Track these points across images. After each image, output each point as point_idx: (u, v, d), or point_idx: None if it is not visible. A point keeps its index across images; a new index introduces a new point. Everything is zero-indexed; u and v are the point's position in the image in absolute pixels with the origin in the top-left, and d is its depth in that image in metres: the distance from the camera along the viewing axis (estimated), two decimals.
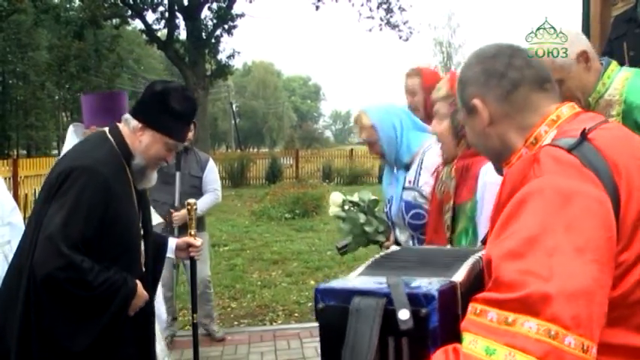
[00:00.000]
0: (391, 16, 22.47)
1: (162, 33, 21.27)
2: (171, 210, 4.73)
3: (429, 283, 1.08)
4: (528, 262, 0.95)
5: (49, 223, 2.21)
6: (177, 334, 5.25)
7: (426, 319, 1.02)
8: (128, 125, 2.43)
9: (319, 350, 1.19)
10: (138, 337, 2.54)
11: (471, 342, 0.95)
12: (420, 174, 2.74)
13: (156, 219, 4.10)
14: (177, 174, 4.32)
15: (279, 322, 5.92)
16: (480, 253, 1.32)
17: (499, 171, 1.43)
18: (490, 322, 0.95)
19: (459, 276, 1.16)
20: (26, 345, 2.27)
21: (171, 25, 20.29)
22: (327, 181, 21.24)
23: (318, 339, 1.17)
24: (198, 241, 2.94)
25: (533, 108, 1.30)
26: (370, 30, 23.12)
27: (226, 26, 20.79)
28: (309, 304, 6.20)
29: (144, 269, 2.57)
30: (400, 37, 23.01)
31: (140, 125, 2.41)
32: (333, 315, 1.10)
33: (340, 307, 1.09)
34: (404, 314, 1.00)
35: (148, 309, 2.56)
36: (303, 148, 33.34)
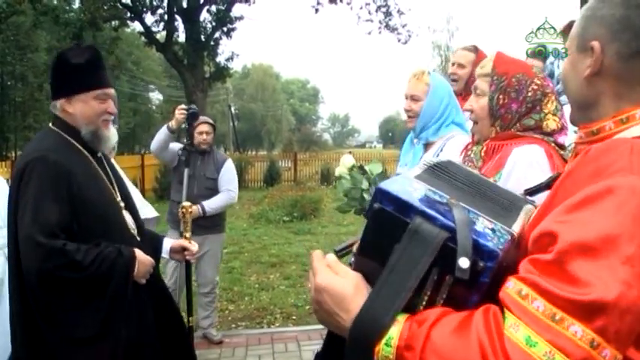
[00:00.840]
0: (390, 19, 22.51)
1: (161, 35, 21.29)
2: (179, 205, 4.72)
3: (492, 232, 1.03)
4: (601, 264, 0.89)
5: (21, 224, 2.23)
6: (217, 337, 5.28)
7: (480, 273, 0.97)
8: (58, 110, 2.46)
9: (315, 351, 1.18)
10: (157, 305, 2.56)
11: (512, 325, 0.91)
12: (437, 157, 2.74)
13: (152, 212, 4.11)
14: (185, 171, 4.37)
15: (277, 324, 5.91)
16: (529, 206, 1.26)
17: (573, 121, 1.31)
18: (535, 312, 0.91)
19: (517, 226, 1.10)
20: (38, 346, 2.27)
21: (170, 28, 20.29)
22: (325, 184, 21.21)
23: (315, 342, 1.15)
24: (193, 247, 2.93)
25: None
26: (369, 33, 23.16)
27: (225, 29, 20.80)
28: (307, 306, 6.20)
29: (138, 238, 2.56)
30: (399, 40, 23.04)
31: (63, 100, 2.44)
32: (386, 219, 1.04)
33: (397, 217, 1.02)
34: (464, 262, 0.94)
35: (158, 280, 2.57)
36: (301, 151, 33.35)
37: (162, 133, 4.83)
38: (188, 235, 3.05)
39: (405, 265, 0.98)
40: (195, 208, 4.76)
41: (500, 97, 2.06)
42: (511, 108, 2.06)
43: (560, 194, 1.04)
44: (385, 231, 1.04)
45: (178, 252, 2.90)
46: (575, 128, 1.32)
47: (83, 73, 2.42)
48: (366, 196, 2.87)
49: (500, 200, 1.23)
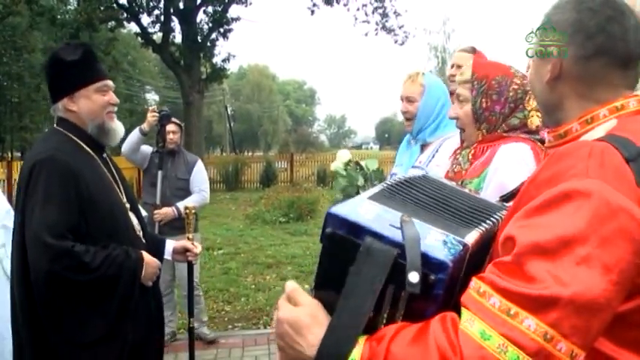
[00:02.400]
0: (386, 21, 22.56)
1: (158, 36, 21.28)
2: (153, 207, 4.75)
3: (444, 244, 1.04)
4: (555, 264, 0.93)
5: (29, 225, 2.22)
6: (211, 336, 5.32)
7: (433, 286, 1.00)
8: (61, 110, 2.46)
9: None
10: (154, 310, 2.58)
11: (467, 320, 0.95)
12: (432, 158, 2.77)
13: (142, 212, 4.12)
14: (159, 172, 4.43)
15: (273, 325, 5.89)
16: (500, 213, 1.29)
17: (545, 124, 1.35)
18: (491, 307, 0.94)
19: (472, 237, 1.11)
20: (43, 347, 2.27)
21: (167, 29, 20.28)
22: (321, 185, 21.22)
23: None
24: (197, 248, 2.94)
25: (604, 84, 1.19)
26: (366, 34, 23.21)
27: (222, 30, 20.79)
28: None
29: (144, 241, 2.57)
30: (395, 42, 23.09)
31: (66, 99, 2.43)
32: (339, 243, 1.06)
33: (348, 239, 1.05)
34: (414, 277, 0.97)
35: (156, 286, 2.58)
36: (297, 152, 33.36)
37: (134, 135, 4.84)
38: (191, 236, 3.04)
39: (361, 287, 1.00)
40: (170, 210, 4.84)
41: (483, 100, 2.11)
42: (494, 110, 2.10)
43: (523, 199, 1.08)
44: (339, 255, 1.06)
45: (181, 253, 2.89)
46: None
47: (81, 68, 2.41)
48: (362, 192, 2.88)
49: (460, 212, 1.24)
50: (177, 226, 4.80)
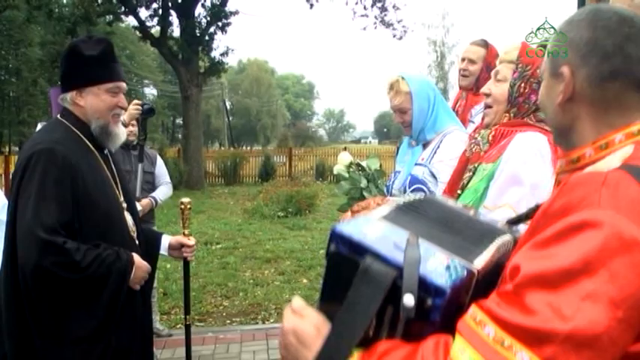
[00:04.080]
0: (385, 15, 22.53)
1: (156, 30, 21.21)
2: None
3: (446, 268, 1.02)
4: (558, 297, 0.88)
5: (22, 217, 2.19)
6: (166, 332, 5.25)
7: (429, 311, 0.99)
8: (68, 102, 2.42)
9: None
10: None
11: (459, 349, 0.92)
12: (434, 154, 2.75)
13: None
14: (140, 166, 4.47)
15: (272, 320, 5.91)
16: (507, 237, 1.26)
17: (557, 144, 1.28)
18: (485, 337, 0.91)
19: (481, 261, 1.09)
20: (25, 342, 2.25)
21: (165, 23, 20.21)
22: (320, 179, 21.23)
23: None
24: (191, 241, 2.90)
25: (620, 108, 1.11)
26: (364, 28, 23.25)
27: (220, 24, 20.71)
28: None
29: (137, 242, 2.53)
30: (394, 36, 23.08)
31: (75, 92, 2.40)
32: (342, 262, 1.08)
33: (351, 258, 1.06)
34: (409, 300, 0.98)
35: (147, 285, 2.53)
36: (296, 146, 33.36)
37: None
38: (187, 231, 3.01)
39: (359, 305, 1.02)
40: (148, 201, 4.90)
41: (522, 85, 2.08)
42: (530, 98, 2.07)
43: (535, 229, 1.03)
44: (342, 273, 1.08)
45: (176, 249, 2.85)
46: None
47: (96, 65, 2.38)
48: (365, 194, 2.87)
49: (470, 235, 1.22)
50: (144, 219, 4.77)
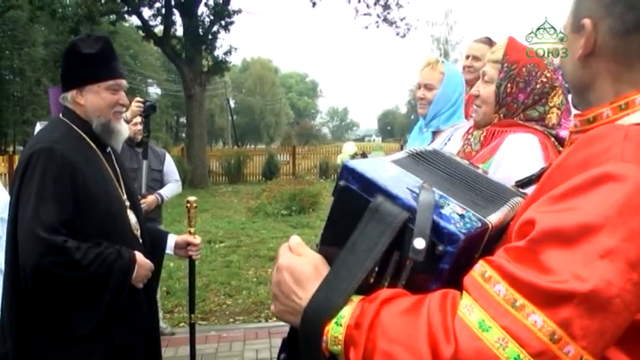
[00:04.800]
0: (388, 13, 22.48)
1: (159, 29, 21.23)
2: (139, 197, 4.66)
3: (460, 217, 0.96)
4: (576, 255, 0.81)
5: (23, 216, 2.20)
6: (169, 331, 5.25)
7: (439, 258, 0.92)
8: (69, 101, 2.43)
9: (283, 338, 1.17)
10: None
11: (467, 306, 0.85)
12: (444, 146, 2.76)
13: None
14: (145, 163, 4.52)
15: (275, 319, 5.88)
16: (518, 199, 1.22)
17: (575, 105, 1.20)
18: (495, 295, 0.84)
19: (495, 217, 1.04)
20: (26, 341, 2.25)
21: (168, 22, 20.23)
22: (324, 177, 21.20)
23: None
24: (197, 240, 2.90)
25: None
26: (366, 27, 23.16)
27: (223, 22, 20.71)
28: None
29: (141, 240, 2.52)
30: (397, 34, 23.03)
31: (75, 91, 2.40)
32: (351, 198, 1.00)
33: (361, 195, 0.99)
34: (419, 243, 0.90)
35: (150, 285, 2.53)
36: (300, 144, 33.33)
37: None
38: (193, 229, 3.00)
39: (364, 245, 0.95)
40: (154, 197, 4.91)
41: (508, 85, 2.06)
42: (517, 98, 2.06)
43: (547, 185, 0.97)
44: (349, 212, 1.00)
45: (182, 248, 2.85)
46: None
47: (95, 63, 2.38)
48: None
49: (484, 191, 1.18)
50: (149, 217, 4.76)
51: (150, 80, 49.09)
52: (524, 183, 1.39)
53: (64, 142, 2.32)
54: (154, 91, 51.34)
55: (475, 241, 0.98)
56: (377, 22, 22.62)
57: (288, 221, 11.85)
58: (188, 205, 3.11)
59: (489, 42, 3.79)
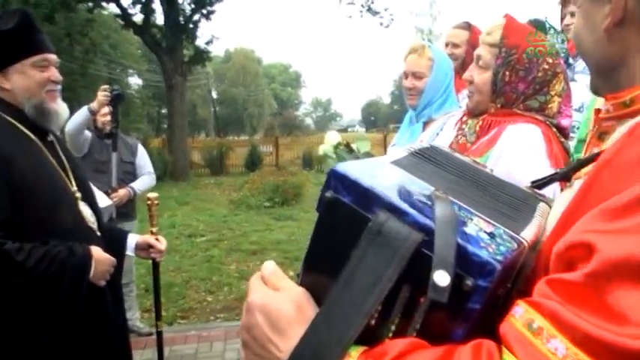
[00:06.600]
0: (372, 3, 22.37)
1: (139, 18, 20.80)
2: (109, 190, 4.40)
3: (490, 237, 0.72)
4: None
5: None
6: (146, 331, 5.02)
7: (468, 295, 0.67)
8: None
9: None
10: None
11: None
12: (436, 136, 2.57)
13: (104, 200, 3.82)
14: (114, 155, 4.29)
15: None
16: (543, 204, 0.98)
17: (596, 90, 0.95)
18: (551, 356, 0.61)
19: (529, 233, 0.80)
20: None
21: (148, 10, 19.83)
22: (307, 168, 21.05)
23: None
24: (160, 244, 2.64)
25: None
26: (350, 17, 23.05)
27: (204, 11, 20.43)
28: None
29: (99, 233, 2.29)
30: (381, 24, 23.00)
31: None
32: (342, 214, 0.75)
33: (355, 211, 0.73)
34: (442, 278, 0.65)
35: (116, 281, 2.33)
36: (283, 135, 33.20)
37: (81, 115, 4.37)
38: (155, 229, 2.74)
39: (363, 280, 0.70)
40: (126, 191, 4.68)
41: (507, 73, 1.85)
42: (517, 88, 1.85)
43: (595, 191, 0.73)
44: (340, 231, 0.75)
45: (144, 249, 2.61)
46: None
47: (14, 39, 2.11)
48: None
49: (502, 196, 0.93)
50: (122, 212, 4.54)
51: (130, 70, 48.45)
52: (542, 183, 1.12)
53: None
54: (135, 81, 50.65)
55: (511, 268, 0.74)
56: (361, 11, 22.50)
57: (271, 213, 11.66)
58: (149, 202, 2.84)
59: (468, 27, 3.68)
